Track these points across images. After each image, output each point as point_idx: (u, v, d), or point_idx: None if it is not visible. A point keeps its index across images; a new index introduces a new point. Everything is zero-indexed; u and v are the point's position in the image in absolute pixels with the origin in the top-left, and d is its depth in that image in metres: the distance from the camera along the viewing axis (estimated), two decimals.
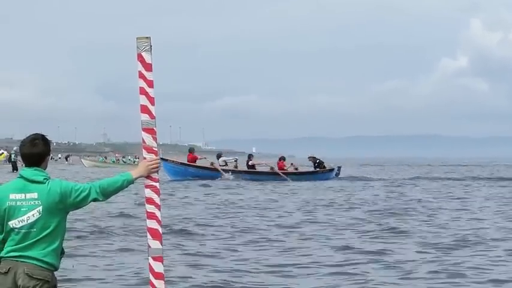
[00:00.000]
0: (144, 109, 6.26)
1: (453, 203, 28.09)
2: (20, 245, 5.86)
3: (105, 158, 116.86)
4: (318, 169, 49.24)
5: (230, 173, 45.29)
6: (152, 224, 6.24)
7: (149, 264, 6.25)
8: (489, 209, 25.23)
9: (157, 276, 6.22)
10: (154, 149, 6.26)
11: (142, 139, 6.27)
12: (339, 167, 51.30)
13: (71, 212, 6.04)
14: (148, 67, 6.27)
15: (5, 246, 5.93)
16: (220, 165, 46.95)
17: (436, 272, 12.89)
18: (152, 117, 6.27)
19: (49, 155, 6.12)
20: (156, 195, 6.26)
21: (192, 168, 46.14)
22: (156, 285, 6.22)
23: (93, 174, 58.38)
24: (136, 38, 6.26)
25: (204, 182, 40.45)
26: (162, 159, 50.29)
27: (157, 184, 6.26)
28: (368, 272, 12.89)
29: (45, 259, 5.86)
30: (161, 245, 6.24)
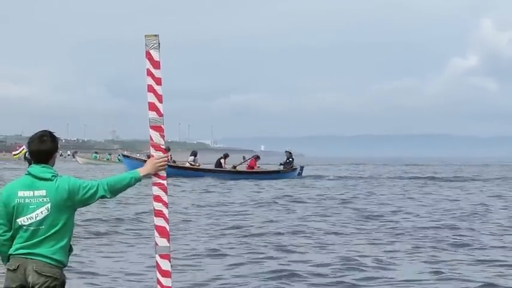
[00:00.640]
0: (152, 106, 6.26)
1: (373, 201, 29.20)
2: (29, 242, 5.87)
3: (97, 154, 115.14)
4: (280, 169, 50.19)
5: (209, 173, 45.70)
6: (160, 221, 6.25)
7: (156, 262, 6.25)
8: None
9: (165, 274, 6.22)
10: (161, 146, 6.27)
11: (150, 136, 6.28)
12: (302, 167, 52.86)
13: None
14: (156, 65, 6.27)
15: (14, 243, 5.94)
16: (196, 164, 47.63)
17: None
18: (160, 114, 6.27)
19: (57, 151, 6.13)
20: (164, 193, 6.26)
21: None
22: (163, 283, 6.22)
23: (87, 171, 58.09)
24: (145, 36, 6.27)
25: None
26: (123, 155, 50.46)
27: (164, 182, 6.26)
28: None
29: (53, 256, 5.87)
30: (168, 243, 6.24)
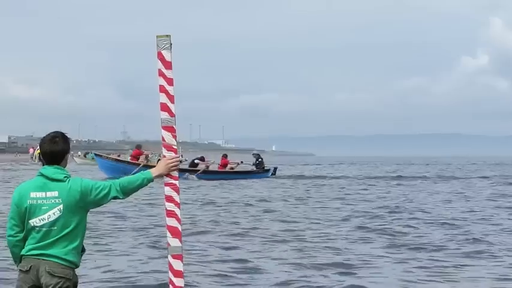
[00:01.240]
0: (164, 107, 6.26)
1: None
2: (41, 243, 5.87)
3: (86, 154, 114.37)
4: (254, 169, 50.79)
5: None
6: (172, 222, 6.24)
7: (169, 262, 6.25)
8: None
9: (177, 274, 6.22)
10: (173, 147, 6.26)
11: (162, 137, 6.28)
12: (275, 168, 53.80)
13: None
14: (168, 65, 6.27)
15: (26, 244, 5.94)
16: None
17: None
18: (172, 115, 6.26)
19: (69, 152, 6.13)
20: (176, 194, 6.26)
21: (126, 165, 45.86)
22: (176, 283, 6.21)
23: (82, 172, 58.24)
24: (156, 36, 6.26)
25: None
26: (96, 155, 50.45)
27: (177, 182, 6.26)
28: None
29: (66, 257, 5.87)
30: (181, 243, 6.24)
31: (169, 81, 6.27)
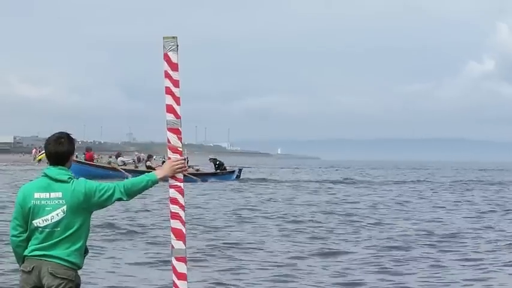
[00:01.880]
0: (170, 109, 6.23)
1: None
2: (44, 244, 5.86)
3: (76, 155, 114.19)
4: (218, 171, 50.89)
5: (131, 174, 45.42)
6: (176, 224, 6.22)
7: (172, 264, 6.22)
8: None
9: (181, 276, 6.19)
10: (179, 149, 6.24)
11: (167, 139, 6.26)
12: (240, 170, 54.15)
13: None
14: (174, 67, 6.25)
15: (29, 244, 5.93)
16: (119, 165, 47.75)
17: None
18: (178, 117, 6.24)
19: (73, 153, 6.12)
20: (181, 196, 6.23)
21: (92, 168, 45.89)
22: (179, 286, 6.19)
23: None
24: (163, 38, 6.24)
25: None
26: None
27: (181, 184, 6.24)
28: None
29: (69, 258, 5.86)
30: (185, 245, 6.21)
31: (176, 83, 6.26)
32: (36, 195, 5.89)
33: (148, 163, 49.48)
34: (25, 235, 5.95)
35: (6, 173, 58.42)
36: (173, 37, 6.26)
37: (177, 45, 6.25)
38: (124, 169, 46.34)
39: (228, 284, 12.53)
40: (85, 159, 47.90)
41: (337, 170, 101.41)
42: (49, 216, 5.85)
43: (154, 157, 52.20)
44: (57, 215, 5.84)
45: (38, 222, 5.87)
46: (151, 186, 6.13)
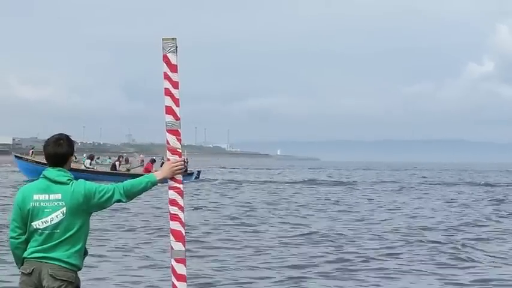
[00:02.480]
0: (169, 110, 6.23)
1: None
2: (44, 246, 5.85)
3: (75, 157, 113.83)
4: None
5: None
6: (175, 225, 6.21)
7: (171, 266, 6.22)
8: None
9: (180, 278, 6.19)
10: (178, 150, 6.23)
11: (167, 140, 6.25)
12: (199, 171, 55.50)
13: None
14: (173, 68, 6.24)
15: (28, 246, 5.92)
16: (87, 167, 47.90)
17: None
18: (177, 118, 6.24)
19: (73, 155, 6.11)
20: (180, 197, 6.22)
21: (45, 167, 45.35)
22: (179, 287, 6.19)
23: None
24: (162, 39, 6.24)
25: None
26: (16, 156, 50.23)
27: (181, 186, 6.23)
28: None
29: (68, 260, 5.85)
30: (184, 247, 6.21)
31: (175, 85, 6.25)
32: (36, 196, 5.88)
33: (127, 166, 49.85)
34: (24, 237, 5.95)
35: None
36: (172, 38, 6.26)
37: (177, 47, 6.24)
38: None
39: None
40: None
41: (320, 171, 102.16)
42: (48, 218, 5.84)
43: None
44: (56, 216, 5.83)
45: (37, 224, 5.86)
46: (150, 188, 6.12)
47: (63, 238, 5.84)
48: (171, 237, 6.22)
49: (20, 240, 5.96)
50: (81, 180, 6.00)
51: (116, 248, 16.49)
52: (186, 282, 6.20)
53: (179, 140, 6.24)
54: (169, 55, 6.24)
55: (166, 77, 6.25)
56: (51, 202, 5.85)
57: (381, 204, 33.33)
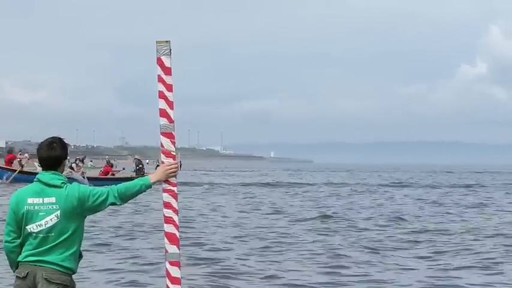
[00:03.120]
0: (163, 113, 6.23)
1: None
2: (38, 250, 5.83)
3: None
4: (133, 175, 48.88)
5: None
6: (169, 228, 6.21)
7: (166, 268, 6.21)
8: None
9: (174, 281, 6.18)
10: (172, 153, 6.23)
11: (161, 143, 6.25)
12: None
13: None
14: (167, 71, 6.24)
15: (23, 250, 5.91)
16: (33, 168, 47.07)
17: None
18: (171, 121, 6.23)
19: (66, 158, 6.10)
20: (174, 200, 6.22)
21: (10, 171, 45.26)
22: None
23: None
24: (156, 42, 6.24)
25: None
26: None
27: (175, 188, 6.23)
28: None
29: (63, 264, 5.84)
30: (178, 249, 6.21)
31: (169, 87, 6.25)
32: (30, 200, 5.87)
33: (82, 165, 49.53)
34: (18, 241, 5.93)
35: None
36: (166, 41, 6.26)
37: (170, 50, 6.24)
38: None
39: None
40: (5, 161, 47.25)
41: (298, 173, 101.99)
42: (43, 222, 5.82)
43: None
44: (50, 220, 5.82)
45: (31, 227, 5.84)
46: (144, 191, 6.11)
47: (57, 241, 5.83)
48: (166, 240, 6.21)
49: (14, 244, 5.94)
50: (75, 184, 5.99)
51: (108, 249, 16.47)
52: (180, 285, 6.20)
53: (173, 143, 6.24)
54: (163, 58, 6.24)
55: (161, 79, 6.25)
56: (45, 205, 5.84)
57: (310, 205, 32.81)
